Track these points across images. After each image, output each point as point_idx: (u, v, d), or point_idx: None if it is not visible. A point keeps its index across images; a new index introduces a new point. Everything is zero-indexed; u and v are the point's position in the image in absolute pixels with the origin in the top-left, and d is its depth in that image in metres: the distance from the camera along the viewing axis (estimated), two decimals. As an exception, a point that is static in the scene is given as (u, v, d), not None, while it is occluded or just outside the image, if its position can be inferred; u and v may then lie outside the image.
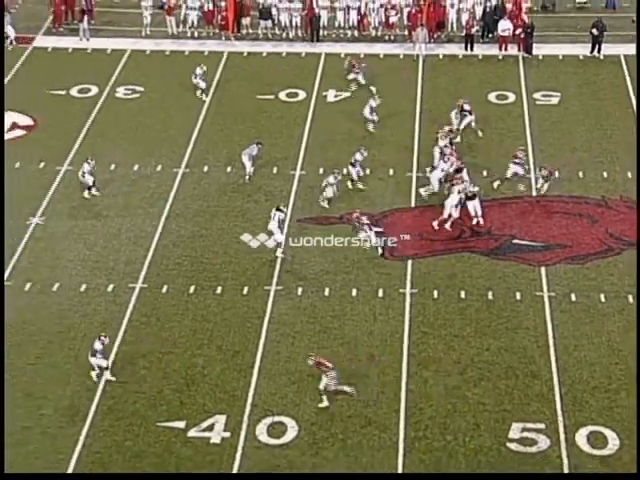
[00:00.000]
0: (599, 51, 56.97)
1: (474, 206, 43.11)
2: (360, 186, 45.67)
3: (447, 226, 43.04)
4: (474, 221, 43.25)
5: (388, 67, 57.01)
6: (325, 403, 34.47)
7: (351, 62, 53.70)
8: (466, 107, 49.27)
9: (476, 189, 43.28)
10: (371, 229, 41.59)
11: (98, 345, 35.15)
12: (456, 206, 42.97)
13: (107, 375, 35.62)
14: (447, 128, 47.57)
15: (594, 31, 56.83)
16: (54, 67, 56.20)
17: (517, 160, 45.28)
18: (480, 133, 48.44)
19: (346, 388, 34.66)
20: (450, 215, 43.00)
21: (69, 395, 35.46)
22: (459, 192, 43.07)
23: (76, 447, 33.48)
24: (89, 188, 45.50)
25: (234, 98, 53.66)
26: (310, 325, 38.54)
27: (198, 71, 53.45)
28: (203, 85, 53.41)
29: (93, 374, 35.63)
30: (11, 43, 58.04)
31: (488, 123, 50.83)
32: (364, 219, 41.86)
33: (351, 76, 53.44)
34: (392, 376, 36.17)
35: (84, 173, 45.56)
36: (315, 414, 34.66)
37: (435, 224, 43.09)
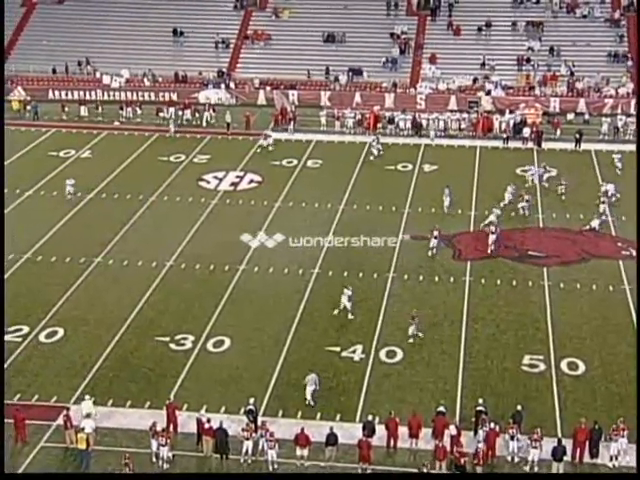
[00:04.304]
0: (580, 146, 55.69)
1: None
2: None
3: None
4: None
5: (458, 152, 56.01)
6: None
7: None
8: (609, 191, 47.68)
9: None
10: None
11: None
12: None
13: None
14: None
15: (577, 135, 55.78)
16: (275, 149, 56.06)
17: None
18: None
19: None
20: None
21: (275, 331, 35.71)
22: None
23: (280, 357, 33.92)
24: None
25: (373, 168, 53.11)
26: (411, 296, 38.32)
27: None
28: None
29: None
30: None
31: (519, 181, 49.89)
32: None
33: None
34: (456, 326, 36.11)
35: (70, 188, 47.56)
36: (411, 345, 34.71)
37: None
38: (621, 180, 49.93)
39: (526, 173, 50.87)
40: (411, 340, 34.85)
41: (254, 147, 56.24)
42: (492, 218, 44.08)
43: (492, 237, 42.09)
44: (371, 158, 54.16)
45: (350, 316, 36.60)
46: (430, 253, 41.67)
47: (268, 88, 65.69)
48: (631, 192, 48.09)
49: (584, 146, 55.66)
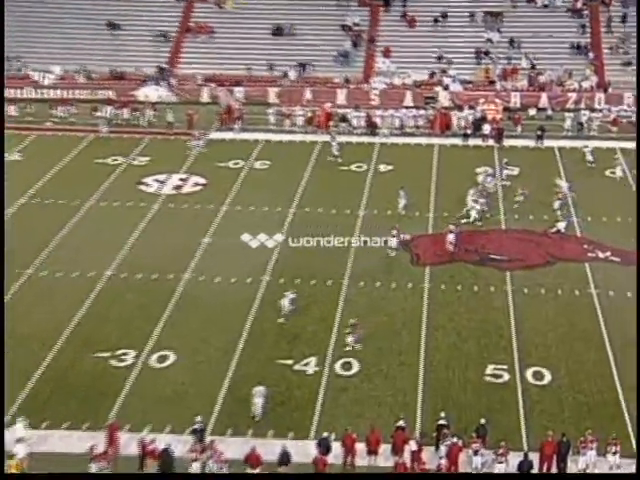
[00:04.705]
0: (542, 143, 56.19)
1: None
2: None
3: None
4: None
5: (415, 151, 56.16)
6: None
7: None
8: (563, 186, 48.19)
9: None
10: None
11: None
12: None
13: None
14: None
15: (538, 132, 56.32)
16: (220, 150, 55.79)
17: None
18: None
19: None
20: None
21: (223, 343, 35.56)
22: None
23: (229, 372, 33.73)
24: None
25: (325, 168, 53.02)
26: (367, 303, 38.38)
27: None
28: None
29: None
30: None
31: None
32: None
33: None
34: (415, 335, 36.17)
35: None
36: (367, 356, 34.63)
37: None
38: (580, 178, 50.49)
39: (482, 176, 50.26)
40: (348, 348, 34.94)
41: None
42: (474, 214, 45.18)
43: (450, 236, 42.36)
44: (331, 159, 54.01)
45: (280, 320, 36.64)
46: (390, 253, 41.86)
47: (212, 85, 65.41)
48: (595, 191, 48.80)
49: (547, 143, 56.15)
